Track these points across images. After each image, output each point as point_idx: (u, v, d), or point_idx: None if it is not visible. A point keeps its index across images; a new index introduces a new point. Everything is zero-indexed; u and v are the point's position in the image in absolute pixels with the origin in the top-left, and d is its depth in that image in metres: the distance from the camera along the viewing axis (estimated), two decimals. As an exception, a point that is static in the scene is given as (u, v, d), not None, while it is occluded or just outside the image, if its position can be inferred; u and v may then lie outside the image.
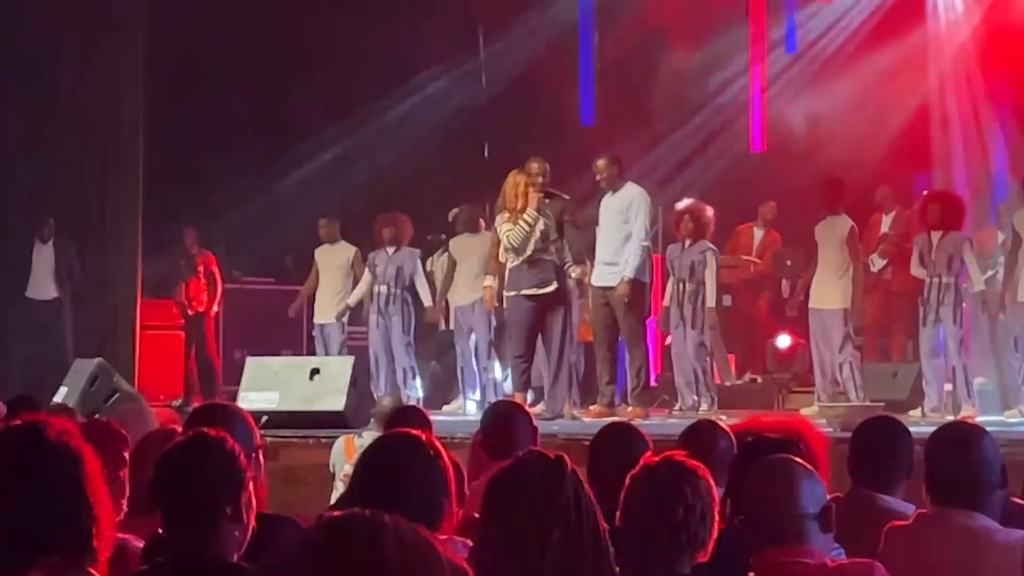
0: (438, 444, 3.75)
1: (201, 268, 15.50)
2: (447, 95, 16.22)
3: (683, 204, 12.97)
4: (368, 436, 8.32)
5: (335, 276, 14.12)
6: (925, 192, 12.73)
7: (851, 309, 12.20)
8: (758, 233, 14.87)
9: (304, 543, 2.12)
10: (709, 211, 12.89)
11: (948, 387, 11.96)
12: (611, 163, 11.79)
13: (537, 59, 15.69)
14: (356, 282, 13.89)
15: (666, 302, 12.98)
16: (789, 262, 14.72)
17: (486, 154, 16.05)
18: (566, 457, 3.20)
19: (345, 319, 14.07)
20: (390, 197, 14.91)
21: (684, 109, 15.85)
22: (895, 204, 13.90)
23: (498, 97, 16.40)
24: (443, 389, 13.90)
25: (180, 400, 13.28)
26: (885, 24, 15.26)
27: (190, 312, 15.57)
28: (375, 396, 11.92)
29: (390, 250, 13.46)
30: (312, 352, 14.28)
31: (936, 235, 11.86)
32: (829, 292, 12.16)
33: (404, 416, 6.53)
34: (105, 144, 14.72)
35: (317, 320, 14.21)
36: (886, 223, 13.62)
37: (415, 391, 13.08)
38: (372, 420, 8.74)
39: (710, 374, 12.78)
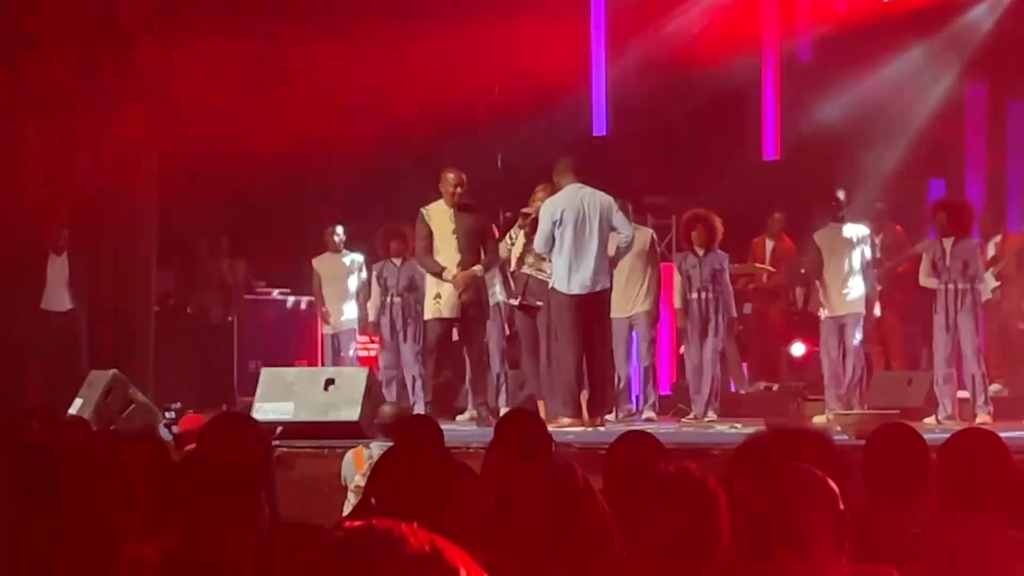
0: (447, 452, 3.77)
1: (215, 278, 15.54)
2: (461, 104, 16.23)
3: (690, 213, 13.02)
4: (376, 446, 8.31)
5: (342, 284, 14.22)
6: (933, 201, 12.76)
7: (868, 314, 12.23)
8: (769, 244, 14.87)
9: (323, 554, 2.13)
10: (716, 219, 12.94)
11: (964, 394, 11.94)
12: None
13: (550, 68, 15.70)
14: (358, 289, 14.09)
15: (679, 309, 13.00)
16: (803, 270, 14.71)
17: (499, 164, 16.06)
18: (576, 466, 3.20)
19: (356, 327, 14.17)
20: (402, 206, 14.93)
21: (696, 117, 15.84)
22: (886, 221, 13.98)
23: (512, 106, 16.40)
24: (452, 398, 13.90)
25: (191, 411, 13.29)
26: (900, 30, 15.25)
27: (204, 323, 15.59)
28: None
29: (397, 261, 13.58)
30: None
31: (948, 242, 11.87)
32: (844, 300, 12.16)
33: (414, 425, 6.54)
34: (119, 154, 14.74)
35: (327, 331, 14.31)
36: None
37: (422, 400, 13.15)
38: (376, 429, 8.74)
39: (719, 382, 12.83)
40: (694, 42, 15.47)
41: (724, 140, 16.43)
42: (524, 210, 11.72)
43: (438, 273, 11.62)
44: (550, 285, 11.35)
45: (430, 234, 11.71)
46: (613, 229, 11.36)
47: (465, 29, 16.01)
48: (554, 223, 11.18)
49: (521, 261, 11.63)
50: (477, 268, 11.58)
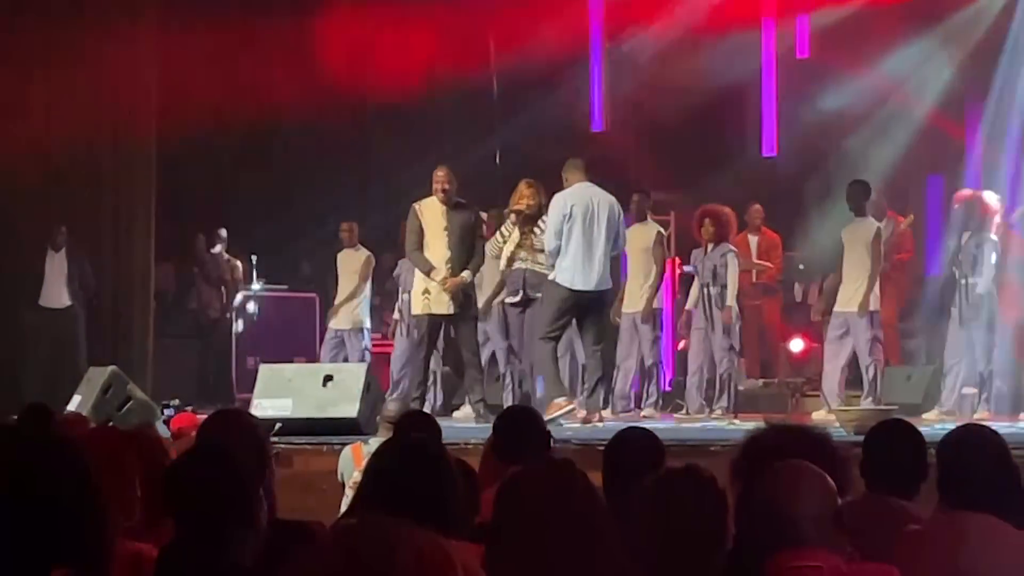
0: (444, 448, 3.76)
1: (214, 275, 15.54)
2: (458, 101, 16.24)
3: (701, 208, 13.03)
4: (375, 443, 8.30)
5: (352, 280, 14.19)
6: (956, 194, 12.75)
7: (860, 307, 12.18)
8: (753, 240, 14.83)
9: (320, 551, 2.13)
10: (728, 213, 12.92)
11: (970, 390, 11.92)
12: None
13: (548, 64, 15.70)
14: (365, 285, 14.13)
15: (689, 305, 13.02)
16: (801, 266, 14.70)
17: (497, 160, 16.07)
18: (575, 463, 3.20)
19: (368, 326, 14.13)
20: (404, 203, 14.94)
21: (695, 113, 15.83)
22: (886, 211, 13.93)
23: (510, 103, 16.41)
24: (451, 395, 13.92)
25: (191, 407, 13.29)
26: (898, 26, 15.24)
27: (203, 319, 15.60)
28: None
29: None
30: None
31: (964, 236, 11.90)
32: (855, 295, 12.13)
33: (412, 421, 6.53)
34: (118, 151, 14.75)
35: (334, 326, 14.22)
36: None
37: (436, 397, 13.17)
38: (378, 425, 8.75)
39: (734, 377, 12.82)
40: (692, 38, 15.46)
41: (722, 137, 16.43)
42: (516, 207, 11.70)
43: (427, 272, 11.66)
44: (550, 277, 11.31)
45: (420, 229, 11.71)
46: (616, 235, 11.34)
47: (463, 23, 16.02)
48: (563, 217, 11.18)
49: (512, 260, 11.62)
50: (466, 274, 11.58)
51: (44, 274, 14.28)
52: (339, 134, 16.17)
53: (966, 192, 12.85)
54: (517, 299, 11.75)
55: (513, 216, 11.70)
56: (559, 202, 11.27)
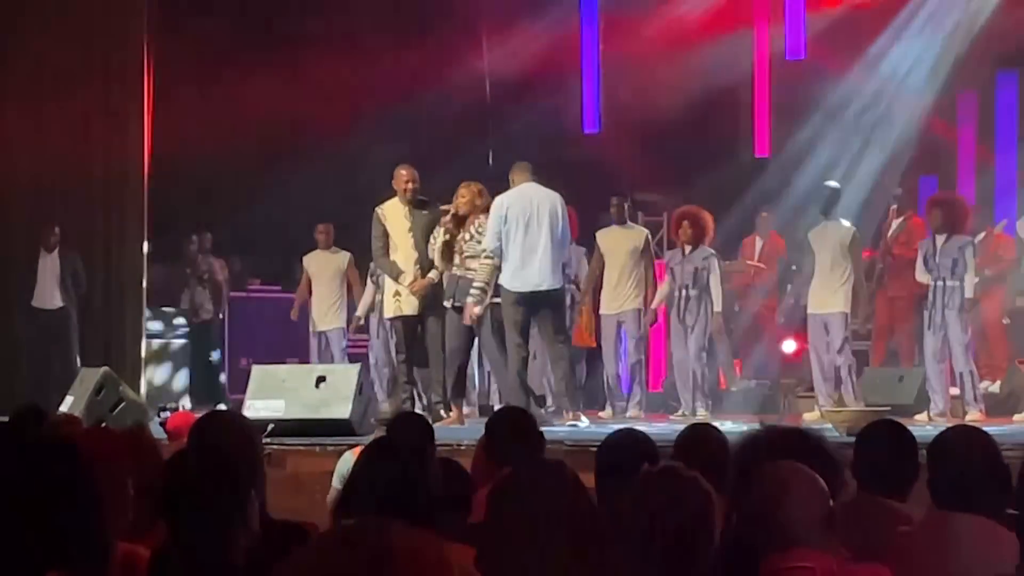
0: (428, 447, 3.76)
1: (206, 276, 15.53)
2: (452, 102, 16.25)
3: (679, 210, 13.08)
4: (370, 446, 8.28)
5: (332, 283, 14.25)
6: (929, 197, 12.78)
7: (852, 314, 12.20)
8: (759, 243, 14.89)
9: (317, 551, 2.13)
10: (706, 216, 12.96)
11: (954, 391, 11.96)
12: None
13: (541, 66, 15.72)
14: (350, 288, 14.11)
15: (656, 304, 13.03)
16: (794, 267, 14.72)
17: (490, 161, 16.07)
18: (566, 464, 3.21)
19: (345, 326, 14.22)
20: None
21: (688, 115, 15.86)
22: (907, 209, 13.87)
23: (502, 104, 16.42)
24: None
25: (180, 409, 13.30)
26: (890, 26, 15.27)
27: (195, 320, 15.59)
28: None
29: None
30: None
31: (940, 239, 11.91)
32: (830, 297, 12.16)
33: (403, 422, 6.54)
34: (110, 151, 14.73)
35: (317, 328, 14.31)
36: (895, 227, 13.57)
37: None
38: (375, 427, 8.75)
39: (708, 379, 12.84)
40: (686, 38, 15.48)
41: (716, 137, 16.45)
42: (443, 207, 11.60)
43: (395, 277, 11.64)
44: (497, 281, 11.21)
45: (386, 233, 11.68)
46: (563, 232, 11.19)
47: (457, 24, 16.02)
48: (500, 219, 11.03)
49: (450, 261, 11.44)
50: (433, 274, 11.56)
51: (36, 275, 14.27)
52: (332, 136, 16.16)
53: (943, 194, 12.87)
54: (448, 304, 11.56)
55: (441, 217, 11.53)
56: (496, 204, 11.11)
